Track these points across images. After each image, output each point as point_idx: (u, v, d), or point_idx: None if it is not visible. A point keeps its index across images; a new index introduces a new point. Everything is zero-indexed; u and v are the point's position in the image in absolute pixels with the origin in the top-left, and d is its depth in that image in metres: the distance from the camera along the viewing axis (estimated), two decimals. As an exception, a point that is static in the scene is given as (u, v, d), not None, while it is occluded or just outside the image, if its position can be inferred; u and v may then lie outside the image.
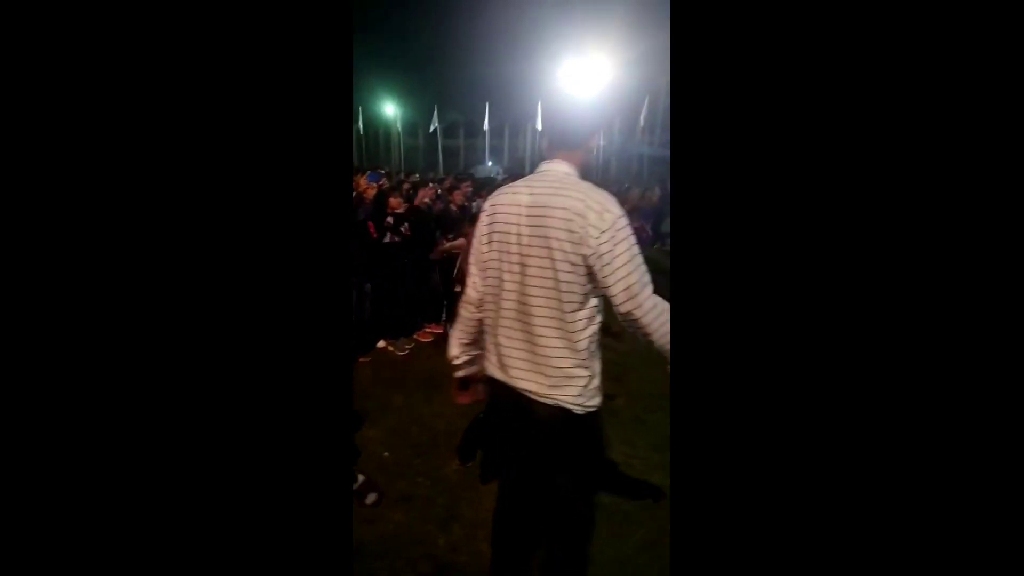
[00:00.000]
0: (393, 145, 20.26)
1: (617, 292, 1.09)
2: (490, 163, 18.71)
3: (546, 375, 1.16)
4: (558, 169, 1.20)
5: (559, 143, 1.23)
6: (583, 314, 1.14)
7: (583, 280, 1.11)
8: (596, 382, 1.21)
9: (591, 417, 1.21)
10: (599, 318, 1.19)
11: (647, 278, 1.11)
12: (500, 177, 7.26)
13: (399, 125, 19.70)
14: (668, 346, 1.12)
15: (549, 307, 1.14)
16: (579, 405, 1.18)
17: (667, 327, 1.11)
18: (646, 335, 1.12)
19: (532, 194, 1.16)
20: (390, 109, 20.02)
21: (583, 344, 1.15)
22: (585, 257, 1.08)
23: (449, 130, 21.00)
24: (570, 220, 1.09)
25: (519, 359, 1.20)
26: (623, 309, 1.10)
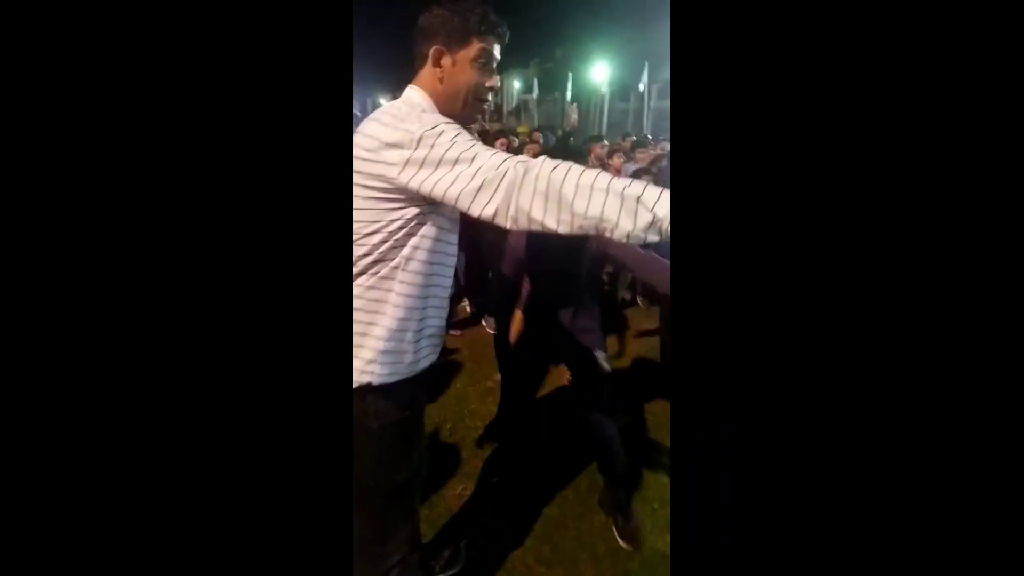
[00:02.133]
0: (597, 108, 19.92)
1: (455, 197, 0.80)
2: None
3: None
4: (406, 96, 0.96)
5: (418, 56, 0.96)
6: (383, 271, 0.92)
7: (382, 217, 0.88)
8: (407, 354, 0.97)
9: (374, 391, 0.96)
10: (415, 274, 0.94)
11: (502, 166, 0.78)
12: (652, 140, 6.21)
13: (606, 87, 19.22)
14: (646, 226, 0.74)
15: (359, 258, 0.92)
16: (357, 371, 0.95)
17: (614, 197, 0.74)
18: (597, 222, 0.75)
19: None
20: (600, 71, 19.54)
21: (389, 308, 0.93)
22: (384, 183, 0.85)
23: (664, 90, 19.56)
24: (370, 150, 0.85)
25: None
26: (485, 214, 0.78)
